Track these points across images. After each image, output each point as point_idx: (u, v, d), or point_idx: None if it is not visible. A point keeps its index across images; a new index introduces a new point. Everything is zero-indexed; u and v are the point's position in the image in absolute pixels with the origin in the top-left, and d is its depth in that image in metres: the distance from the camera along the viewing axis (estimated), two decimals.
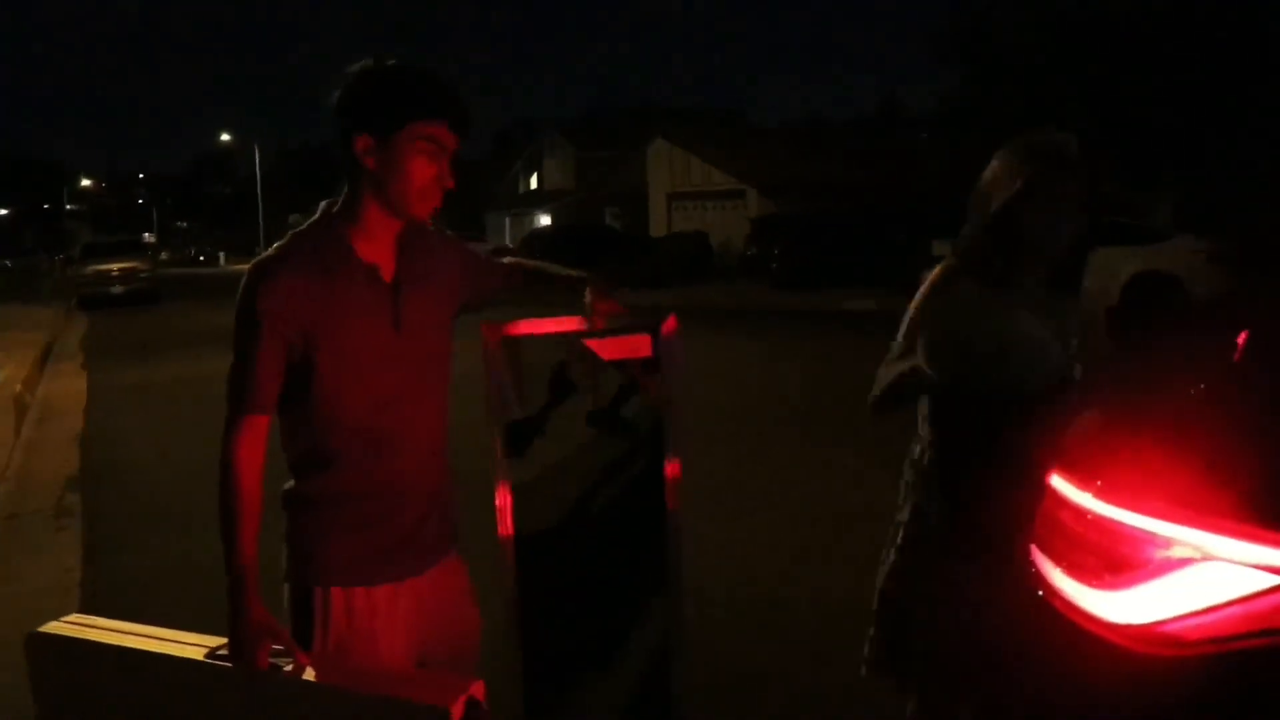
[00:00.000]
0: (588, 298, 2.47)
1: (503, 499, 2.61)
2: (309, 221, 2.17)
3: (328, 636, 2.16)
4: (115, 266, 29.76)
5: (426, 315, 2.22)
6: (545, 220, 49.39)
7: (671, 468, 2.61)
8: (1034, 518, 2.00)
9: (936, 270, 2.70)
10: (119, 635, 2.29)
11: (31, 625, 2.38)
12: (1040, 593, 1.94)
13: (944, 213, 24.57)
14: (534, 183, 57.03)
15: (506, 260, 2.54)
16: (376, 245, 2.15)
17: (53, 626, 2.36)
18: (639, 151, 43.39)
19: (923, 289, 2.71)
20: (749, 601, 4.99)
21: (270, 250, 2.13)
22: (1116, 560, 1.78)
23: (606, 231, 38.25)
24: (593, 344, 2.59)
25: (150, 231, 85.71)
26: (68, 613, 2.46)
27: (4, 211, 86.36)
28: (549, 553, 2.70)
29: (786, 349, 14.81)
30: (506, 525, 2.63)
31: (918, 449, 2.73)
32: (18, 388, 11.84)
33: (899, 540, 2.73)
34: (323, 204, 2.19)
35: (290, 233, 2.16)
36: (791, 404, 10.30)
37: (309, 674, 2.05)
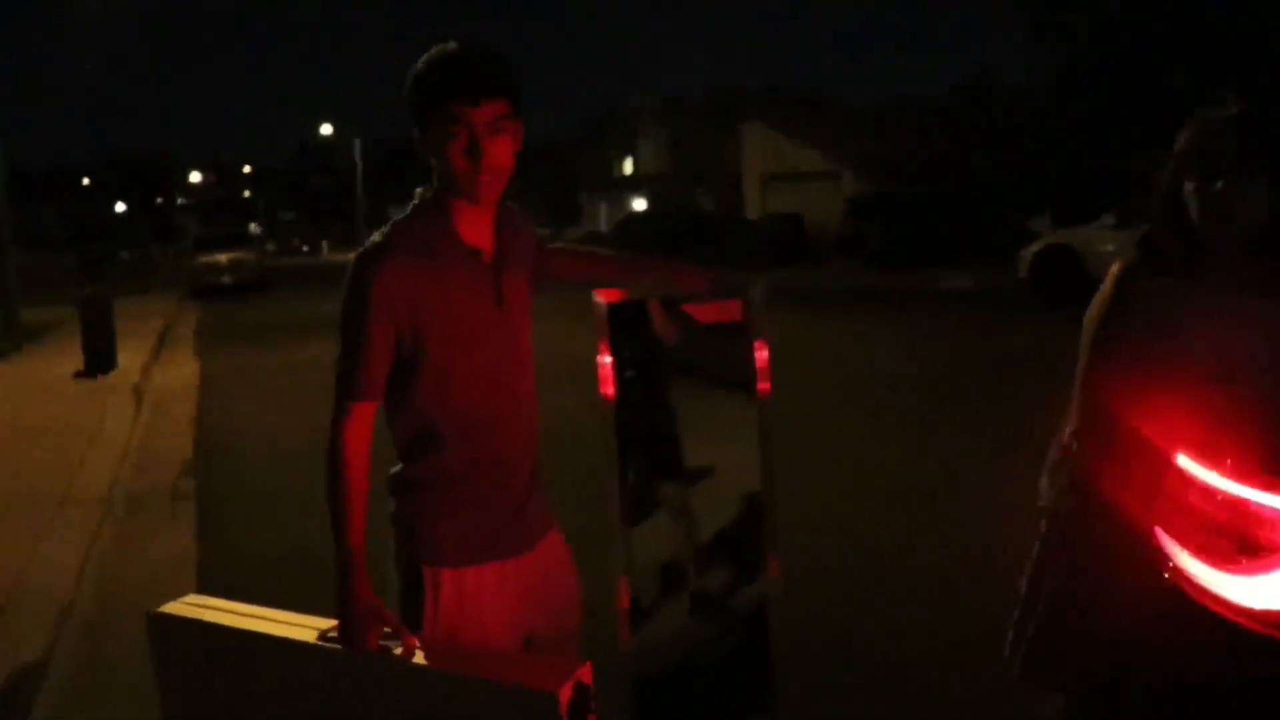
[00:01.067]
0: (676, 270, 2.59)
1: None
2: (409, 208, 2.22)
3: (439, 618, 2.20)
4: (224, 257, 30.47)
5: (520, 292, 2.28)
6: (640, 203, 49.39)
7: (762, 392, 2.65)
8: (1159, 498, 1.91)
9: (1114, 269, 2.34)
10: (234, 616, 2.35)
11: (151, 604, 2.46)
12: (1166, 575, 1.90)
13: (1040, 188, 23.99)
14: (628, 166, 57.00)
15: (558, 246, 2.58)
16: (474, 225, 2.20)
17: (172, 606, 2.43)
18: (733, 133, 43.15)
19: (1101, 296, 2.31)
20: (838, 577, 5.00)
21: (374, 238, 2.16)
22: (1250, 542, 1.72)
23: (701, 214, 38.11)
24: (690, 308, 2.66)
25: (256, 223, 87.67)
26: (184, 591, 2.54)
27: (121, 207, 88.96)
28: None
29: (882, 329, 14.66)
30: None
31: (1067, 430, 2.43)
32: (135, 375, 12.27)
33: (1044, 530, 2.47)
34: (418, 190, 2.24)
35: (391, 221, 2.20)
36: (887, 384, 10.22)
37: (418, 657, 2.08)
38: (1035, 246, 18.12)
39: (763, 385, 2.71)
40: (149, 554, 5.96)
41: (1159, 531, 1.92)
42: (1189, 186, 2.17)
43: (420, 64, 2.10)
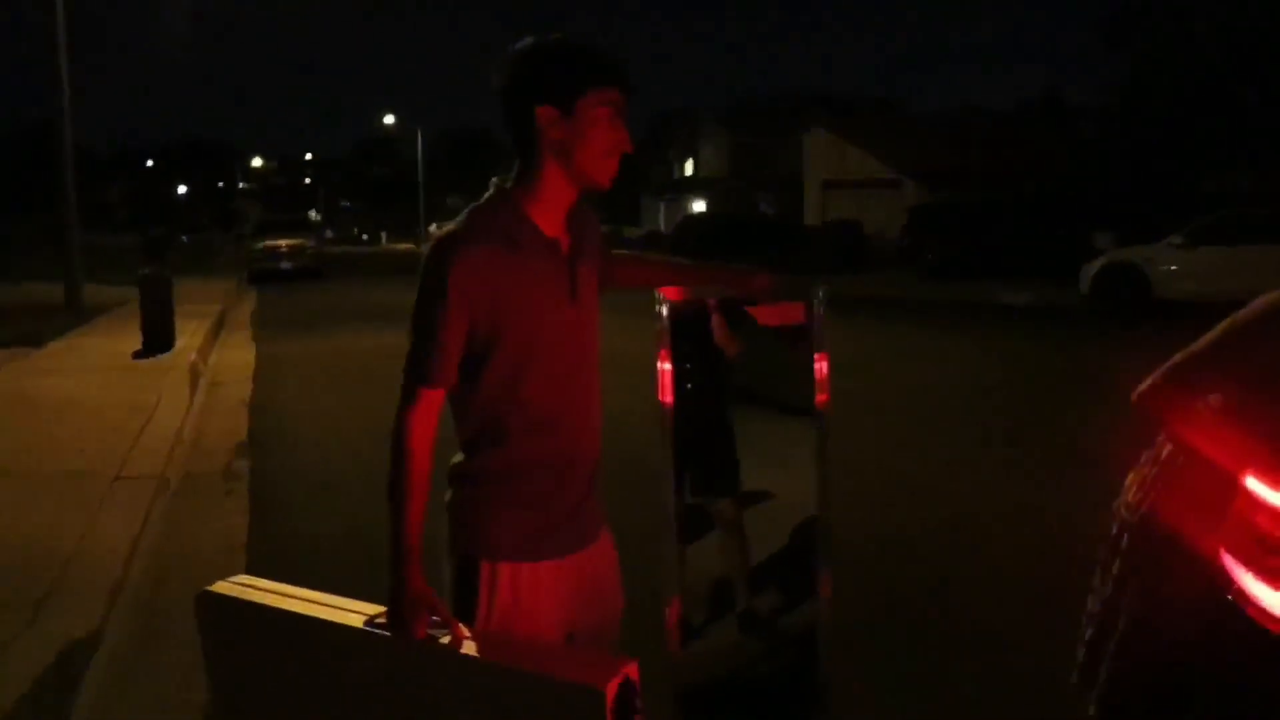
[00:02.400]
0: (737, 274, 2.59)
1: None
2: (485, 198, 2.19)
3: (493, 611, 2.18)
4: (284, 243, 30.79)
5: (592, 288, 2.27)
6: (700, 206, 49.42)
7: (821, 398, 2.63)
8: (1224, 519, 1.88)
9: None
10: (282, 598, 2.34)
11: (201, 583, 2.45)
12: (1230, 598, 1.84)
13: (1105, 204, 23.67)
14: (689, 168, 57.10)
15: (621, 252, 2.55)
16: (553, 218, 2.18)
17: (220, 586, 2.42)
18: (795, 139, 43.08)
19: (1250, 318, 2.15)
20: (893, 597, 4.92)
21: (452, 225, 2.14)
22: None
23: (761, 218, 38.06)
24: (753, 310, 2.66)
25: (316, 211, 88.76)
26: (234, 572, 2.53)
27: (183, 190, 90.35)
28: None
29: (939, 342, 14.49)
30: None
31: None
32: (193, 356, 12.39)
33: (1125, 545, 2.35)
34: (494, 180, 2.21)
35: (468, 209, 2.17)
36: (941, 399, 10.09)
37: (467, 647, 2.06)
38: (1099, 263, 17.84)
39: (821, 397, 2.66)
40: (200, 534, 6.00)
41: (1224, 554, 1.89)
42: None
43: (557, 48, 2.13)
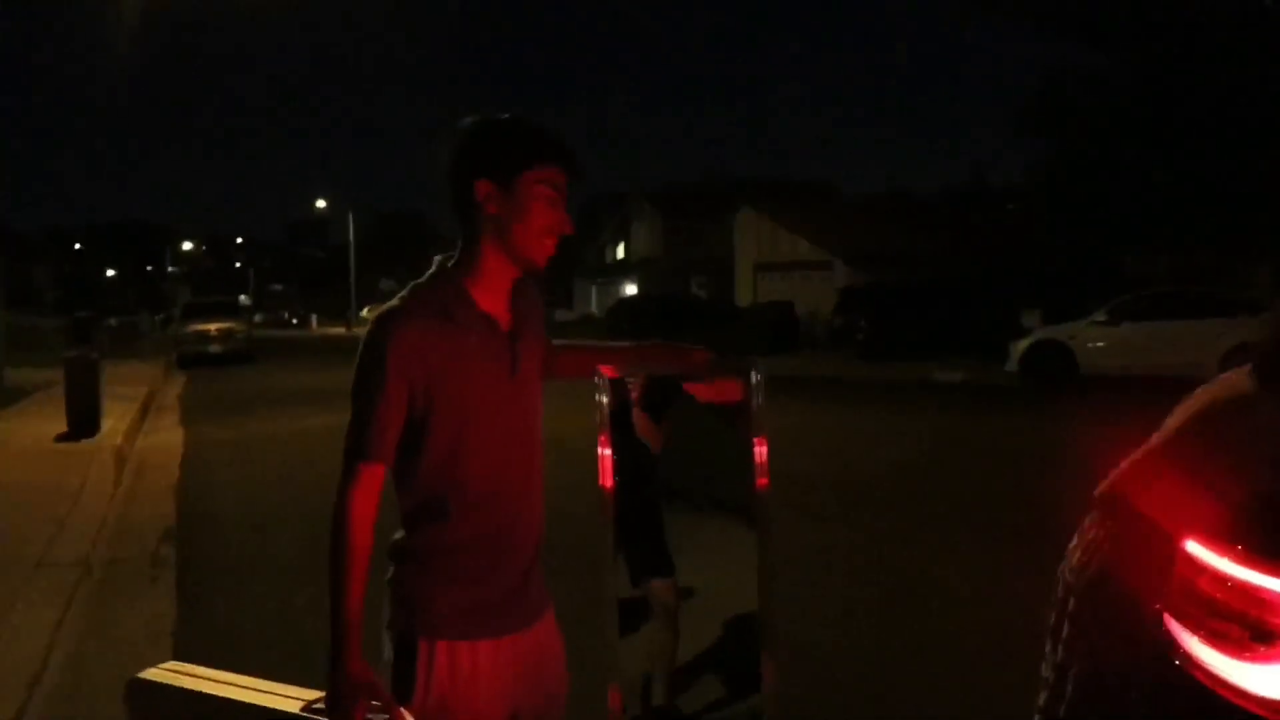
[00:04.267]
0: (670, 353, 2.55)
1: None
2: (427, 275, 2.20)
3: (430, 691, 2.13)
4: (213, 327, 30.43)
5: (533, 364, 2.26)
6: (632, 289, 49.74)
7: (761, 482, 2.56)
8: (1168, 584, 1.89)
9: (1217, 385, 2.20)
10: (216, 684, 2.29)
11: (126, 672, 2.40)
12: (1177, 663, 1.84)
13: (1031, 284, 24.44)
14: (621, 251, 57.53)
15: (561, 342, 2.52)
16: (494, 295, 2.18)
17: (152, 673, 2.36)
18: (726, 221, 43.62)
19: (1201, 409, 2.19)
20: (840, 680, 4.88)
21: (393, 302, 2.13)
22: (1263, 629, 1.68)
23: (693, 300, 38.40)
24: (690, 387, 2.62)
25: (246, 294, 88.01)
26: (161, 661, 2.48)
27: (111, 273, 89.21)
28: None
29: (872, 420, 14.64)
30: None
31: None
32: (119, 440, 12.12)
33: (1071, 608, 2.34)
34: (437, 259, 2.22)
35: (410, 285, 2.17)
36: (876, 476, 10.15)
37: None
38: (1027, 341, 18.37)
39: (761, 481, 2.63)
40: (126, 622, 5.81)
41: (1168, 618, 1.88)
42: None
43: (501, 125, 2.15)
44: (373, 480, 2.09)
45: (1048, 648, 2.33)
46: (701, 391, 2.64)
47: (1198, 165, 20.77)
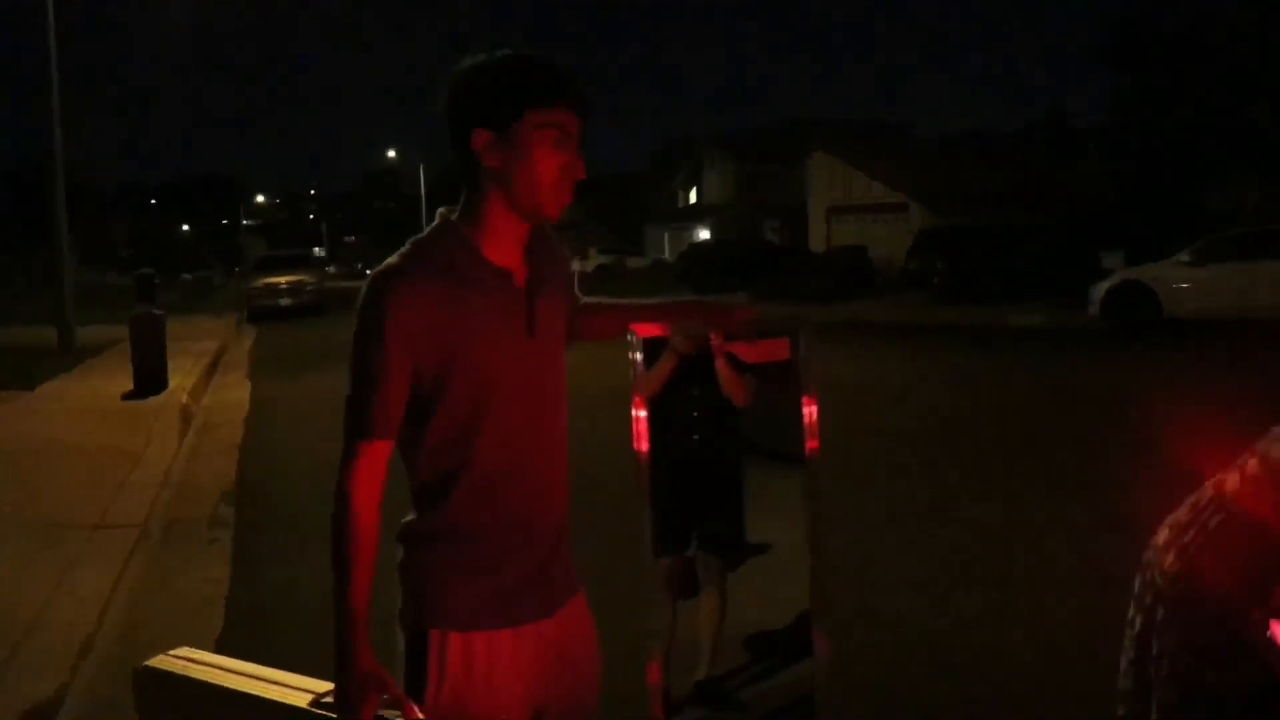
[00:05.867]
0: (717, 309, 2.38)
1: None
2: (429, 229, 1.99)
3: (443, 685, 1.96)
4: (284, 280, 30.65)
5: (554, 322, 2.04)
6: (704, 234, 49.48)
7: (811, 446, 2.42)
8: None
9: None
10: (225, 675, 2.21)
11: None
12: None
13: (1112, 225, 23.92)
14: (693, 196, 57.19)
15: (587, 302, 2.30)
16: (505, 248, 1.96)
17: (160, 661, 2.31)
18: (799, 164, 43.08)
19: None
20: (894, 625, 4.64)
21: (390, 260, 1.92)
22: None
23: (765, 245, 38.06)
24: (735, 348, 2.48)
25: (320, 246, 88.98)
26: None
27: (186, 227, 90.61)
28: None
29: (948, 366, 14.27)
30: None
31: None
32: (184, 398, 12.18)
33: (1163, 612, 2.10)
34: (440, 210, 2.02)
35: (410, 241, 1.97)
36: (950, 425, 9.83)
37: None
38: (1108, 283, 17.87)
39: (812, 443, 2.43)
40: (180, 586, 5.77)
41: (1276, 626, 1.75)
42: None
43: (494, 65, 1.91)
44: (376, 459, 1.91)
45: (1128, 655, 2.08)
46: (746, 351, 2.49)
47: None
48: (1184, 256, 17.12)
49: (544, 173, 1.90)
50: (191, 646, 2.37)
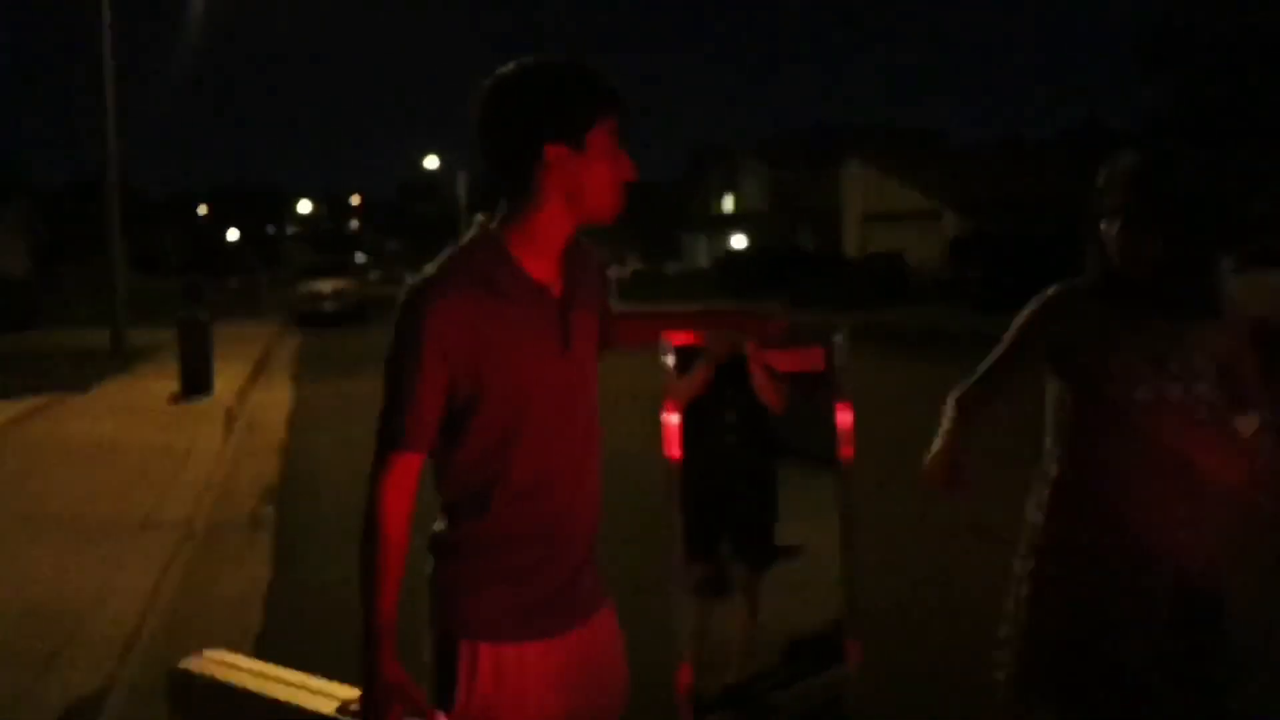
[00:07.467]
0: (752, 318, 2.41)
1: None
2: (467, 237, 2.01)
3: (473, 696, 1.98)
4: (327, 286, 31.13)
5: (588, 334, 2.06)
6: (740, 240, 49.38)
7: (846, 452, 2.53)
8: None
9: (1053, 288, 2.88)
10: (256, 679, 2.27)
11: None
12: None
13: None
14: (728, 204, 57.10)
15: (622, 311, 2.34)
16: (544, 259, 1.98)
17: (192, 663, 2.38)
18: (833, 172, 42.95)
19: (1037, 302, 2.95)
20: (932, 662, 4.70)
21: (428, 269, 1.95)
22: None
23: (800, 252, 37.94)
24: (770, 357, 2.48)
25: (362, 252, 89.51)
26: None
27: (234, 235, 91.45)
28: None
29: None
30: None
31: (1054, 467, 2.85)
32: (229, 400, 12.40)
33: (1033, 552, 2.75)
34: (478, 218, 2.03)
35: (447, 251, 1.99)
36: (988, 435, 9.80)
37: None
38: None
39: (846, 450, 2.49)
40: (222, 585, 5.91)
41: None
42: (1101, 224, 2.57)
43: (559, 69, 1.94)
44: (408, 471, 1.93)
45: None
46: (780, 361, 2.48)
47: None
48: (1227, 263, 16.93)
49: (615, 178, 1.96)
50: (231, 645, 2.44)
